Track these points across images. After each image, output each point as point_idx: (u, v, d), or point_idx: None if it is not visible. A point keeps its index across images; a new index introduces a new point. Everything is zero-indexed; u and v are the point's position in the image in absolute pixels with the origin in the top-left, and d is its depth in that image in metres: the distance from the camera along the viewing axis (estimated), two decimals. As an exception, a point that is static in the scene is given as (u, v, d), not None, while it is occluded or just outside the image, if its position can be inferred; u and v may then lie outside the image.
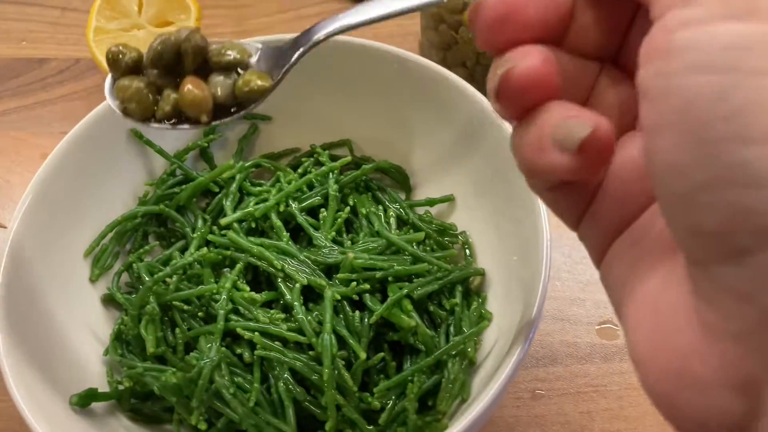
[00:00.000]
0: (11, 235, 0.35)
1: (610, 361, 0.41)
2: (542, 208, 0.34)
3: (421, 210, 0.43)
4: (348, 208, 0.41)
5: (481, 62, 0.49)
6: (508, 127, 0.37)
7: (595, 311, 0.43)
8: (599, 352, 0.41)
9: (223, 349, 0.35)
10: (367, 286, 0.36)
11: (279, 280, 0.37)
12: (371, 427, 0.34)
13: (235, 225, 0.40)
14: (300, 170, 0.43)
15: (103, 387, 0.36)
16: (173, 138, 0.43)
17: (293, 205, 0.41)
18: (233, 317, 0.36)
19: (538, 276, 0.32)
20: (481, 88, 0.39)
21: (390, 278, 0.37)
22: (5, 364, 0.31)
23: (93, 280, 0.40)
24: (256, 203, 0.41)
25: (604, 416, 0.39)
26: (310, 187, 0.42)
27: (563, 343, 0.42)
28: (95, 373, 0.37)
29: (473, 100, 0.39)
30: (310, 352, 0.35)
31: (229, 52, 0.29)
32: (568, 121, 0.19)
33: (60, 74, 0.58)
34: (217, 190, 0.43)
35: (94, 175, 0.40)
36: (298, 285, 0.37)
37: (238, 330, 0.36)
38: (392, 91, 0.43)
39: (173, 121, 0.29)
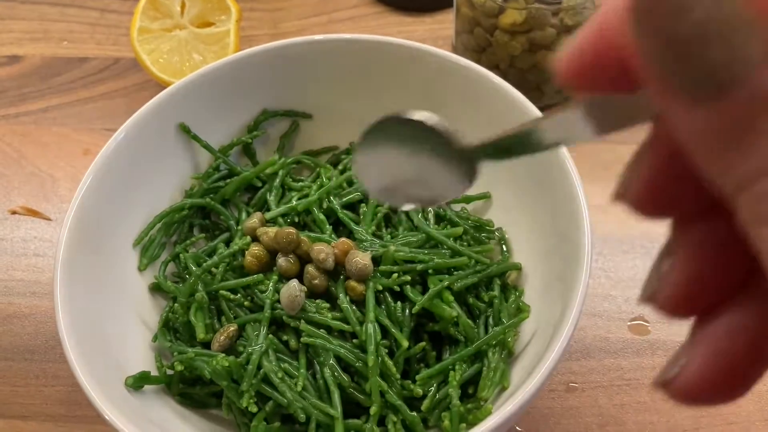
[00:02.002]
0: (68, 224, 0.37)
1: (642, 355, 0.42)
2: (584, 205, 0.35)
3: (457, 207, 0.44)
4: (387, 204, 0.42)
5: (515, 65, 0.50)
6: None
7: (626, 307, 0.44)
8: (631, 347, 0.42)
9: (270, 336, 0.37)
10: (408, 277, 0.38)
11: (323, 270, 0.38)
12: (414, 413, 0.35)
13: (280, 219, 0.41)
14: (340, 167, 0.45)
15: (153, 372, 0.38)
16: (219, 133, 0.44)
17: (334, 201, 0.42)
18: (279, 306, 0.38)
19: (579, 273, 0.33)
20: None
21: (430, 271, 0.38)
22: (68, 347, 0.33)
23: (141, 269, 0.41)
24: (299, 198, 0.42)
25: (637, 408, 0.40)
26: (350, 183, 0.44)
27: (596, 337, 0.43)
28: (144, 359, 0.38)
29: (511, 99, 0.40)
30: (354, 341, 0.37)
31: None
32: None
33: (100, 73, 0.60)
34: (260, 184, 0.44)
35: (143, 167, 0.42)
36: (342, 276, 0.38)
37: (285, 318, 0.37)
38: (429, 91, 0.44)
39: None
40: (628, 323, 0.43)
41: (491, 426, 0.30)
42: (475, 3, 0.49)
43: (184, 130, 0.43)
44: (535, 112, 0.39)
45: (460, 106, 0.43)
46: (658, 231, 0.50)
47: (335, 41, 0.44)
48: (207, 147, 0.43)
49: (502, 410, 0.30)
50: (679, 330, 0.43)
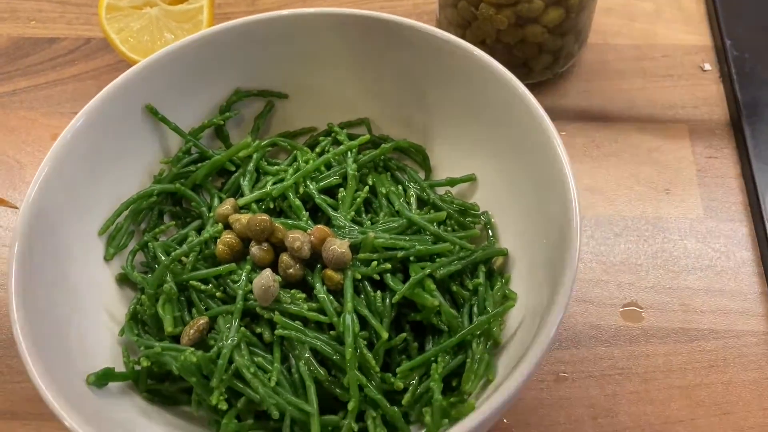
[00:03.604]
0: (25, 213, 0.35)
1: (635, 343, 0.40)
2: (573, 186, 0.33)
3: (441, 190, 0.42)
4: (367, 188, 0.40)
5: (501, 40, 0.48)
6: (535, 102, 0.36)
7: (618, 293, 0.42)
8: (624, 335, 0.40)
9: (243, 329, 0.35)
10: (388, 265, 0.36)
11: (299, 259, 0.36)
12: (394, 408, 0.33)
13: (254, 205, 0.39)
14: (317, 149, 0.43)
15: (119, 367, 0.36)
16: (189, 116, 0.42)
17: (311, 186, 0.40)
18: (252, 297, 0.36)
19: (568, 257, 0.31)
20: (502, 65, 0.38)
21: (411, 258, 0.36)
22: (22, 342, 0.31)
23: (107, 258, 0.39)
24: (274, 183, 0.40)
25: (630, 399, 0.38)
26: (328, 166, 0.42)
27: (587, 325, 0.41)
28: (111, 353, 0.36)
29: (498, 76, 0.38)
30: (331, 332, 0.35)
31: None
32: None
33: (70, 54, 0.58)
34: (233, 168, 0.42)
35: (108, 152, 0.39)
36: (318, 265, 0.36)
37: (258, 310, 0.35)
38: (411, 68, 0.42)
39: None
40: (621, 309, 0.42)
41: (474, 423, 0.28)
42: (459, -25, 0.47)
43: (152, 111, 0.40)
44: (523, 89, 0.37)
45: (445, 84, 0.41)
46: (652, 213, 0.48)
47: (313, 15, 0.41)
48: (176, 129, 0.41)
49: (486, 406, 0.29)
50: (673, 316, 0.41)
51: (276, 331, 0.34)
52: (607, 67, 0.53)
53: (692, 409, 0.38)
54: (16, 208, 0.49)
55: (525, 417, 0.38)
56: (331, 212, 0.39)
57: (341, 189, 0.40)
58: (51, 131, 0.53)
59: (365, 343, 0.34)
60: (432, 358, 0.34)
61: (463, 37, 0.49)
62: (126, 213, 0.40)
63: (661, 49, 0.54)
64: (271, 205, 0.40)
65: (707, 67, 0.53)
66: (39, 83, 0.56)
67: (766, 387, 0.38)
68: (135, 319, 0.37)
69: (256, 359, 0.34)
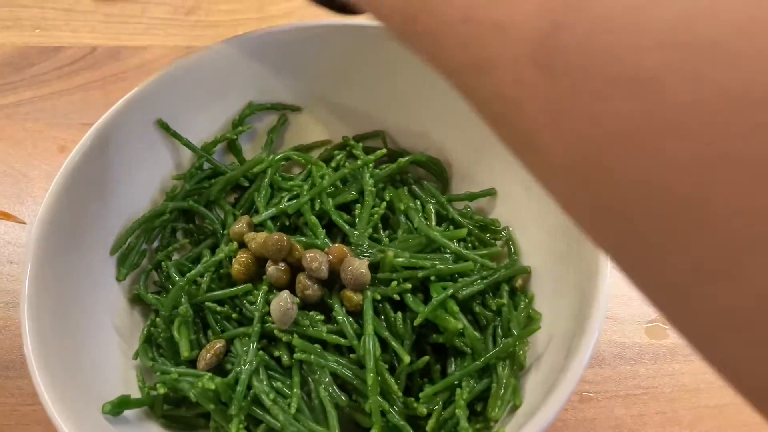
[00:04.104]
0: (35, 232, 0.34)
1: (660, 361, 0.39)
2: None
3: (460, 205, 0.41)
4: (384, 204, 0.39)
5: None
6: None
7: (642, 309, 0.41)
8: (648, 352, 0.40)
9: (261, 352, 0.34)
10: (408, 285, 0.35)
11: (317, 279, 0.35)
12: (418, 434, 0.32)
13: (269, 222, 0.38)
14: (333, 164, 0.42)
15: (134, 391, 0.35)
16: (201, 130, 0.41)
17: (327, 202, 0.39)
18: (269, 318, 0.35)
19: (598, 276, 0.30)
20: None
21: (432, 278, 0.35)
22: (36, 369, 0.30)
23: (120, 279, 0.38)
24: (289, 199, 0.39)
25: (656, 420, 0.37)
26: (343, 181, 0.41)
27: (611, 342, 0.40)
28: (125, 377, 0.36)
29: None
30: (351, 356, 0.34)
31: None
32: None
33: (76, 63, 0.56)
34: (247, 184, 0.41)
35: (119, 169, 0.38)
36: (337, 285, 0.35)
37: (276, 332, 0.34)
38: (427, 80, 0.41)
39: None
40: (645, 326, 0.41)
41: (505, 454, 0.27)
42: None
43: (163, 126, 0.39)
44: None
45: (458, 94, 0.40)
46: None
47: (326, 27, 0.40)
48: (188, 145, 0.40)
49: (516, 436, 0.28)
50: (700, 333, 0.40)
51: (295, 355, 0.33)
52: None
53: (721, 429, 0.37)
54: (23, 222, 0.48)
55: (549, 439, 0.37)
56: (348, 229, 0.38)
57: (357, 205, 0.39)
58: (58, 143, 0.52)
59: (387, 366, 0.33)
60: (455, 383, 0.33)
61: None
62: (138, 232, 0.39)
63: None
64: (287, 222, 0.39)
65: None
66: (44, 93, 0.55)
67: (796, 406, 0.37)
68: (149, 341, 0.36)
69: (275, 384, 0.33)
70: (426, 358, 0.34)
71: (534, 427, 0.27)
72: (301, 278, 0.35)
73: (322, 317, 0.35)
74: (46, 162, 0.51)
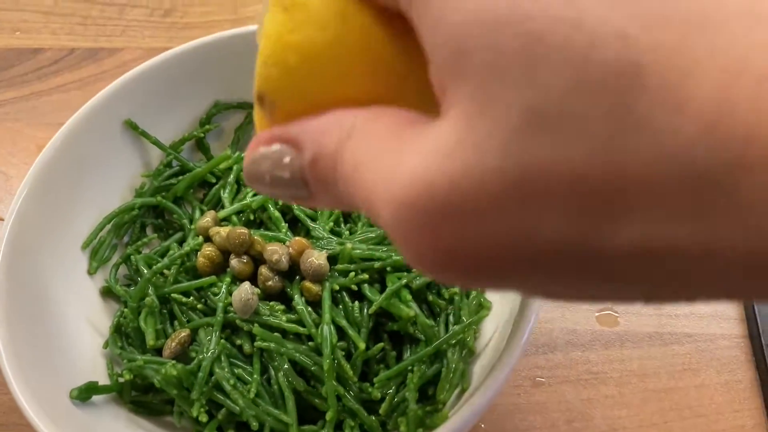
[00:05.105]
0: (8, 227, 0.35)
1: (610, 348, 0.41)
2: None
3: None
4: (346, 198, 0.41)
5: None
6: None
7: (594, 298, 0.43)
8: (599, 339, 0.41)
9: (223, 341, 0.35)
10: (365, 276, 0.36)
11: (277, 271, 0.37)
12: (372, 417, 0.34)
13: (234, 217, 0.40)
14: (297, 160, 0.43)
15: (104, 379, 0.36)
16: (169, 129, 0.43)
17: (291, 196, 0.40)
18: (232, 309, 0.36)
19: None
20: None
21: (388, 268, 0.37)
22: (4, 356, 0.31)
23: (91, 272, 0.40)
24: (254, 194, 0.41)
25: (605, 403, 0.39)
26: (308, 176, 0.42)
27: (563, 330, 0.42)
28: (95, 366, 0.37)
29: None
30: (310, 343, 0.35)
31: None
32: None
33: (55, 64, 0.58)
34: (214, 180, 0.43)
35: (90, 166, 0.40)
36: (297, 277, 0.37)
37: (237, 322, 0.36)
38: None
39: None
40: (596, 314, 0.42)
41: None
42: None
43: (131, 126, 0.41)
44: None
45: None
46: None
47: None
48: (156, 143, 0.42)
49: (458, 416, 0.29)
50: (648, 320, 0.42)
51: (255, 343, 0.35)
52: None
53: (665, 412, 0.39)
54: (2, 220, 0.50)
55: (502, 422, 0.39)
56: (309, 223, 0.39)
57: (321, 199, 0.41)
58: (36, 142, 0.54)
59: (343, 353, 0.35)
60: (408, 368, 0.35)
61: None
62: (109, 227, 0.40)
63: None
64: (251, 217, 0.40)
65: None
66: (24, 94, 0.56)
67: (737, 390, 0.39)
68: (119, 331, 0.38)
69: (236, 371, 0.35)
70: (381, 345, 0.36)
71: (470, 408, 0.29)
72: (263, 270, 0.37)
73: (282, 307, 0.36)
74: (25, 161, 0.52)
